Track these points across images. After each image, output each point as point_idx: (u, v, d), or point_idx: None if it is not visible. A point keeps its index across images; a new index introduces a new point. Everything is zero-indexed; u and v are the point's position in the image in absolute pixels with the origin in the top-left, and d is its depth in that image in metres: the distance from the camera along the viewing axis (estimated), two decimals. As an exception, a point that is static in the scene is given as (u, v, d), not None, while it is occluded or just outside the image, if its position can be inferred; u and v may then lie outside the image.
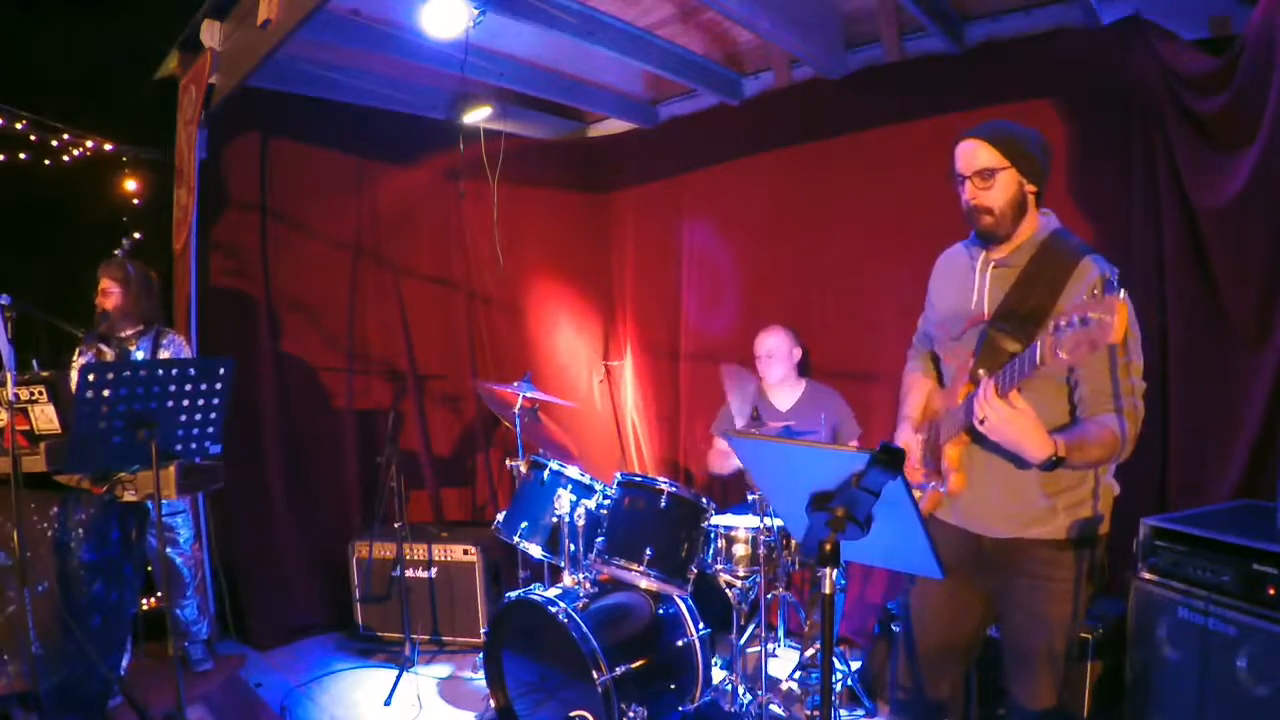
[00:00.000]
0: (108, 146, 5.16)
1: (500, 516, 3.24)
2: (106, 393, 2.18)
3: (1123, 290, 1.40)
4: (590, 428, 5.07)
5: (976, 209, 1.89)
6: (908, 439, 2.10)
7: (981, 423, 1.70)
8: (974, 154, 1.88)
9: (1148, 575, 2.37)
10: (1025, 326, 1.83)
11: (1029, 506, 1.89)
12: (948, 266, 2.13)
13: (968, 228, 1.98)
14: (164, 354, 3.40)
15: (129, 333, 3.39)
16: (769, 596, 3.06)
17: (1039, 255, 1.88)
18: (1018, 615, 1.95)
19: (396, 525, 3.66)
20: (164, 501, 3.03)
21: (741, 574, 3.04)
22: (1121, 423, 1.75)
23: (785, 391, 3.59)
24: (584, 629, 2.68)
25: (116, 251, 3.37)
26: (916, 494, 2.04)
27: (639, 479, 3.04)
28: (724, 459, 3.72)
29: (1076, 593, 1.88)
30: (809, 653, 3.28)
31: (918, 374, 2.22)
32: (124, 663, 2.99)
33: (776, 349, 3.54)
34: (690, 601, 3.04)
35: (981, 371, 1.85)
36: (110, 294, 3.34)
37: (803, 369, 3.65)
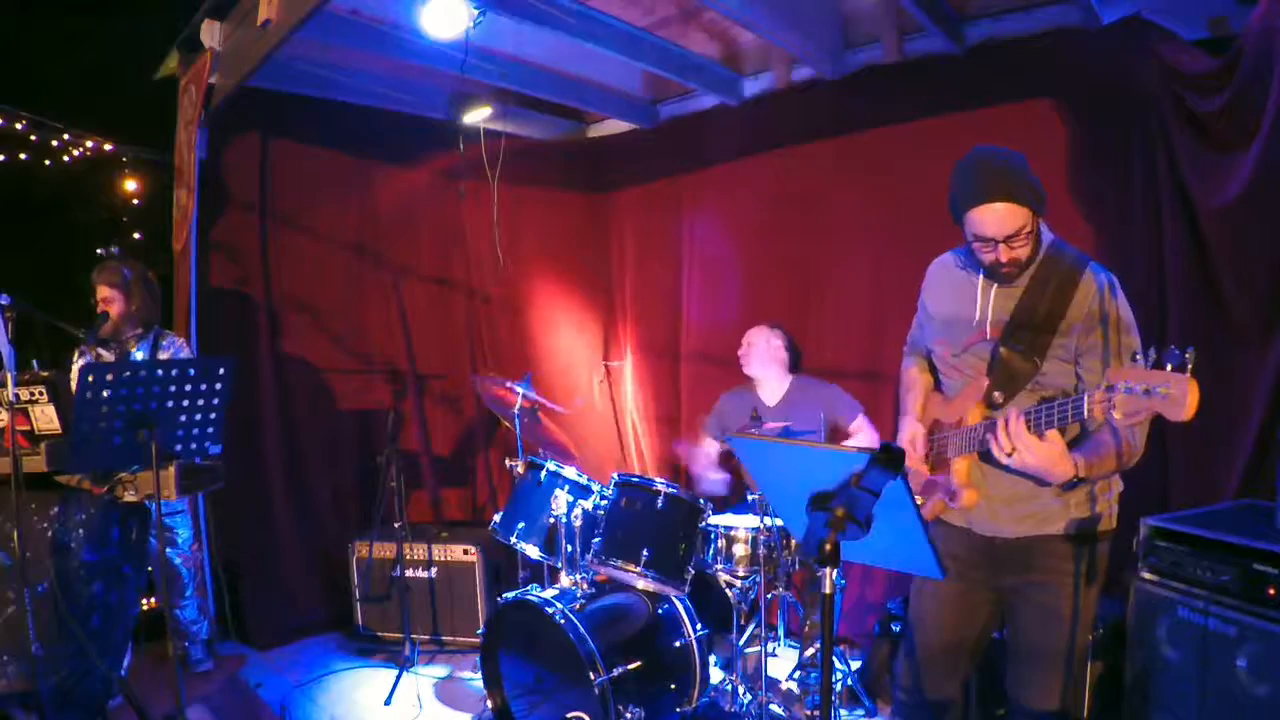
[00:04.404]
0: (108, 146, 5.16)
1: (498, 517, 3.24)
2: (106, 393, 2.18)
3: (1190, 365, 1.40)
4: (590, 428, 5.07)
5: (1008, 264, 1.84)
6: (914, 431, 2.10)
7: (1009, 455, 1.71)
8: (1006, 219, 1.78)
9: (1148, 575, 2.37)
10: (1036, 343, 1.84)
11: (1041, 508, 1.91)
12: (943, 277, 2.11)
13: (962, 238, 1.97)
14: (163, 356, 3.38)
15: (129, 336, 3.37)
16: (769, 596, 3.06)
17: (1041, 269, 1.88)
18: (1031, 612, 1.95)
19: (396, 525, 3.66)
20: (163, 502, 3.03)
21: (741, 574, 3.04)
22: (1134, 431, 1.77)
23: (772, 386, 3.57)
24: (581, 630, 2.68)
25: (104, 251, 3.29)
26: (920, 499, 2.06)
27: (636, 479, 3.04)
28: (705, 460, 3.70)
29: (1090, 587, 1.89)
30: (809, 653, 3.28)
31: (914, 370, 2.22)
32: (124, 663, 2.98)
33: (755, 340, 3.54)
34: (688, 602, 3.04)
35: (998, 395, 1.88)
36: (112, 301, 3.26)
37: (794, 367, 3.64)
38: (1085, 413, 1.57)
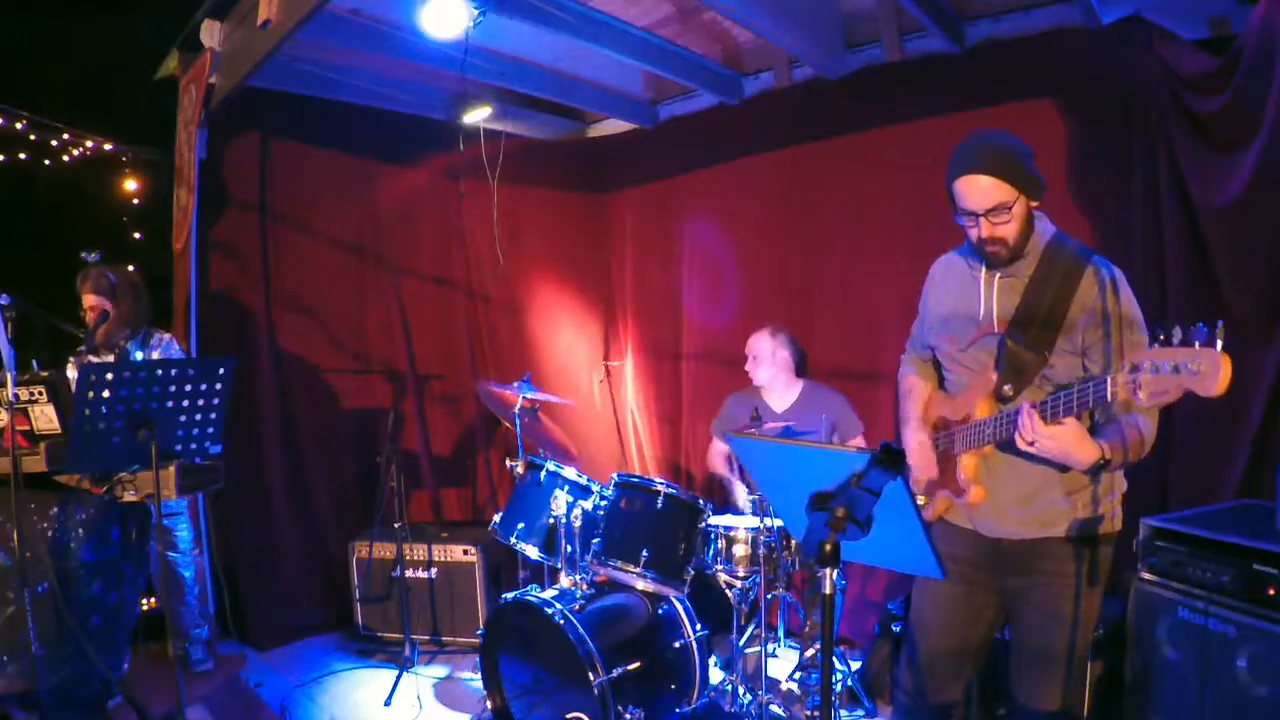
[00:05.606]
0: (108, 146, 5.16)
1: (498, 517, 3.24)
2: (106, 393, 2.18)
3: (1220, 342, 1.38)
4: (590, 428, 5.07)
5: (990, 241, 1.85)
6: (917, 438, 2.09)
7: (1031, 444, 1.70)
8: (987, 192, 1.80)
9: (1148, 575, 2.37)
10: (1042, 337, 1.84)
11: (1047, 508, 1.90)
12: (946, 274, 2.11)
13: (965, 236, 1.97)
14: (155, 355, 3.37)
15: (119, 341, 3.34)
16: (769, 596, 3.06)
17: (1044, 262, 1.88)
18: (1035, 614, 1.94)
19: (396, 525, 3.66)
20: (163, 503, 3.02)
21: (741, 574, 3.04)
22: (1145, 423, 1.77)
23: (780, 393, 3.57)
24: (580, 630, 2.68)
25: (87, 255, 3.21)
26: (923, 499, 2.06)
27: (635, 480, 3.04)
28: (720, 459, 3.72)
29: (1092, 589, 1.89)
30: (809, 653, 3.28)
31: (914, 377, 2.21)
32: (124, 663, 2.98)
33: (761, 351, 3.52)
34: (687, 603, 3.04)
35: (1008, 388, 1.88)
36: (104, 310, 3.22)
37: (801, 370, 3.64)
38: (1109, 395, 1.54)
